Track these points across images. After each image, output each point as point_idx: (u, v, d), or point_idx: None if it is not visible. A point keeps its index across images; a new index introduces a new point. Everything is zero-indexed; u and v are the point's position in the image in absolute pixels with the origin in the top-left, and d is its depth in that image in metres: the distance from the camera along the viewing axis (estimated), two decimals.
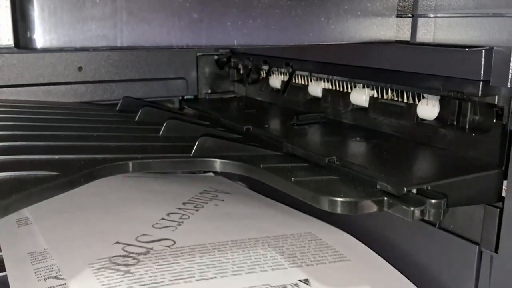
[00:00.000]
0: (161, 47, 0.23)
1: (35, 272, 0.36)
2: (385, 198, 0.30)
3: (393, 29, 0.30)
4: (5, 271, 0.36)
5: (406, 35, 0.31)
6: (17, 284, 0.34)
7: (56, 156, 0.32)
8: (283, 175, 0.34)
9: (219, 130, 0.46)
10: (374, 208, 0.30)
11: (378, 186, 0.31)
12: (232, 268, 0.37)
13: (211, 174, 0.63)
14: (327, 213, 0.30)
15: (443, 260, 0.37)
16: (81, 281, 0.34)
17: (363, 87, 0.46)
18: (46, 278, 0.35)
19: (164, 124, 0.43)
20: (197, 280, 0.35)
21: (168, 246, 0.40)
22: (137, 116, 0.48)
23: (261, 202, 0.51)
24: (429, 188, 0.31)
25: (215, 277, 0.36)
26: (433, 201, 0.29)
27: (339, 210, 0.30)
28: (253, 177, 0.36)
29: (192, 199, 0.50)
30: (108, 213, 0.46)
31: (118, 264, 0.36)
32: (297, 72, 0.54)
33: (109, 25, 0.22)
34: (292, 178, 0.33)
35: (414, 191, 0.31)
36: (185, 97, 0.64)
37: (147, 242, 0.40)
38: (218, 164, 0.37)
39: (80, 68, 0.57)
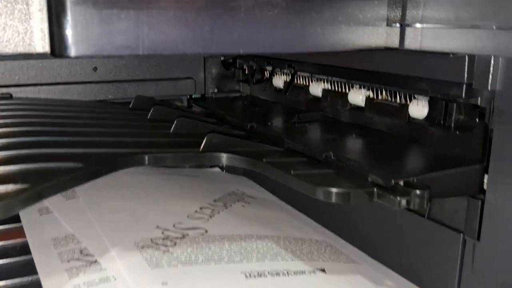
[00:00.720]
0: (177, 53, 0.27)
1: (58, 255, 0.40)
2: (375, 189, 0.33)
3: (383, 37, 0.34)
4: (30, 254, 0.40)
5: (395, 43, 0.35)
6: (42, 265, 0.38)
7: (79, 150, 0.36)
8: (283, 168, 0.37)
9: (225, 127, 0.50)
10: (365, 198, 0.33)
11: (369, 179, 0.35)
12: (257, 256, 0.41)
13: (218, 169, 0.67)
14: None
15: (430, 248, 0.40)
16: (127, 257, 0.39)
17: (360, 88, 0.49)
18: (69, 260, 0.39)
19: (175, 122, 0.47)
20: (226, 262, 0.40)
21: (201, 234, 0.45)
22: (149, 114, 0.52)
23: (283, 209, 0.55)
24: (415, 180, 0.34)
25: (241, 261, 0.40)
26: (418, 191, 0.32)
27: (333, 199, 0.33)
28: (256, 170, 0.40)
29: (221, 198, 0.55)
30: (149, 203, 0.51)
31: (159, 244, 0.41)
32: (299, 73, 0.57)
33: (132, 37, 0.25)
34: (292, 171, 0.36)
35: (402, 183, 0.34)
36: (193, 96, 0.68)
37: (183, 229, 0.45)
38: (224, 158, 0.40)
39: (95, 69, 0.61)
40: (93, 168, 0.33)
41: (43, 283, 0.36)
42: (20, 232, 0.44)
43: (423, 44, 0.34)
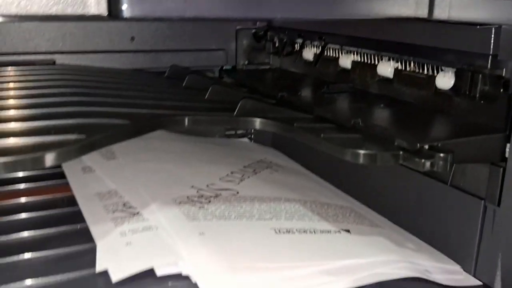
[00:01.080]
0: (219, 19, 0.29)
1: (104, 207, 0.43)
2: (401, 152, 0.35)
3: (413, 7, 0.35)
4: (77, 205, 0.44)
5: (424, 13, 0.36)
6: (90, 215, 0.42)
7: (125, 110, 0.39)
8: (313, 133, 0.40)
9: (256, 96, 0.52)
10: (391, 160, 0.35)
11: (395, 143, 0.37)
12: (285, 215, 0.44)
13: (246, 139, 0.70)
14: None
15: (451, 214, 0.42)
16: (166, 210, 0.42)
17: (389, 60, 0.51)
18: (114, 211, 0.42)
19: (210, 89, 0.49)
20: (256, 219, 0.43)
21: (233, 194, 0.48)
22: (184, 82, 0.54)
23: (309, 177, 0.57)
24: (439, 145, 0.36)
25: (271, 219, 0.43)
26: (441, 155, 0.34)
27: (361, 161, 0.35)
28: (287, 135, 0.42)
29: (251, 165, 0.58)
30: (183, 166, 0.54)
31: (194, 201, 0.45)
32: (329, 45, 0.59)
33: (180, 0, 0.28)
34: (322, 135, 0.39)
35: (426, 147, 0.36)
36: (224, 68, 0.70)
37: (215, 189, 0.48)
38: (257, 123, 0.43)
39: (132, 38, 0.63)
40: (139, 125, 0.35)
41: (92, 230, 0.39)
42: (66, 188, 0.48)
43: (452, 14, 0.35)
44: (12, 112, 0.35)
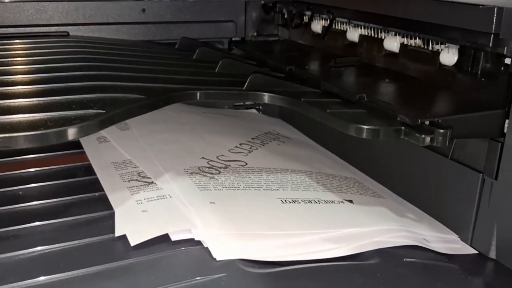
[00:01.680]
0: None
1: (119, 176, 0.45)
2: (403, 127, 0.37)
3: None
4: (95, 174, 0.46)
5: None
6: (107, 184, 0.44)
7: (141, 84, 0.40)
8: (319, 107, 0.41)
9: (265, 69, 0.53)
10: (393, 135, 0.37)
11: (398, 118, 0.38)
12: (291, 186, 0.46)
13: (254, 110, 0.71)
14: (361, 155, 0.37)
15: (451, 186, 0.44)
16: (179, 180, 0.44)
17: (395, 35, 0.52)
18: (129, 180, 0.45)
19: (220, 62, 0.50)
20: (264, 189, 0.45)
21: (242, 166, 0.50)
22: (195, 55, 0.56)
23: (315, 149, 0.59)
24: (439, 121, 0.37)
25: (277, 190, 0.45)
26: (441, 130, 0.36)
27: (364, 135, 0.37)
28: (294, 108, 0.44)
29: (259, 136, 0.60)
30: (194, 137, 0.56)
31: (205, 172, 0.47)
32: (337, 18, 0.60)
33: None
34: (327, 110, 0.40)
35: (427, 123, 0.37)
36: (233, 39, 0.71)
37: (225, 160, 0.51)
38: (266, 97, 0.44)
39: (143, 10, 0.65)
40: (154, 99, 0.37)
41: (110, 198, 0.41)
42: (83, 157, 0.50)
43: None
44: (33, 87, 0.37)
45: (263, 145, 0.57)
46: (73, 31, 0.61)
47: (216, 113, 0.67)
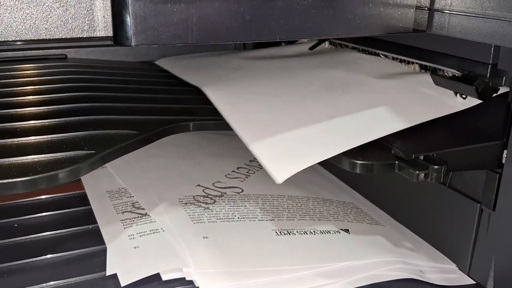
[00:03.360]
0: (221, 42, 0.30)
1: (113, 207, 0.45)
2: (397, 162, 0.37)
3: (411, 22, 0.36)
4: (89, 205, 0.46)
5: (422, 27, 0.37)
6: (100, 216, 0.44)
7: (133, 117, 0.40)
8: None
9: None
10: (387, 170, 0.37)
11: (392, 151, 0.38)
12: (287, 215, 0.46)
13: None
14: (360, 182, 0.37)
15: (449, 214, 0.43)
16: (173, 212, 0.44)
17: (392, 60, 0.51)
18: (123, 212, 0.44)
19: None
20: (259, 220, 0.45)
21: (238, 193, 0.49)
22: None
23: (314, 171, 0.59)
24: (434, 155, 0.37)
25: (273, 219, 0.45)
26: (435, 166, 0.36)
27: (358, 170, 0.37)
28: None
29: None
30: (190, 161, 0.56)
31: (200, 202, 0.47)
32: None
33: (183, 27, 0.29)
34: None
35: (422, 157, 0.37)
36: None
37: (221, 188, 0.50)
38: None
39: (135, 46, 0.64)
40: (147, 135, 0.37)
41: (103, 232, 0.41)
42: (79, 184, 0.50)
43: (450, 30, 0.36)
44: (27, 123, 0.37)
45: (261, 167, 0.57)
46: (71, 53, 0.62)
47: (215, 133, 0.66)
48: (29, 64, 0.56)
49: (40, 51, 0.60)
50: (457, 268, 0.42)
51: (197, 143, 0.62)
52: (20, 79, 0.49)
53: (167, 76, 0.58)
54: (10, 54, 0.59)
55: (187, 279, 0.36)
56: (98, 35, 0.32)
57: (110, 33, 0.31)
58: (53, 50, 0.61)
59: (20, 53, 0.59)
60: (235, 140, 0.66)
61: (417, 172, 0.35)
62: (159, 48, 0.66)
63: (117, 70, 0.57)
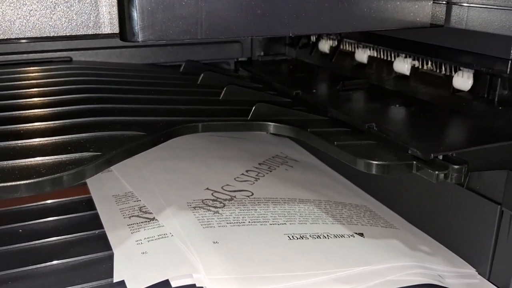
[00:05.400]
0: (232, 37, 0.29)
1: (120, 211, 0.44)
2: (414, 162, 0.35)
3: (429, 15, 0.34)
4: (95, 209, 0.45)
5: (440, 21, 0.35)
6: (107, 221, 0.43)
7: (141, 118, 0.39)
8: (327, 138, 0.39)
9: (271, 94, 0.52)
10: (404, 170, 0.35)
11: (409, 151, 0.36)
12: (299, 219, 0.45)
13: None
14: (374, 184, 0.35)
15: (468, 217, 0.42)
16: (181, 216, 0.43)
17: (406, 57, 0.50)
18: (130, 216, 0.43)
19: (224, 89, 0.49)
20: (270, 224, 0.43)
21: (247, 196, 0.48)
22: (199, 80, 0.54)
23: (325, 173, 0.58)
24: (454, 155, 0.36)
25: (284, 223, 0.43)
26: (455, 166, 0.34)
27: (374, 171, 0.35)
28: (301, 139, 0.42)
29: (266, 161, 0.58)
30: (199, 165, 0.54)
31: (209, 206, 0.45)
32: (345, 39, 0.58)
33: (192, 21, 0.28)
34: (335, 142, 0.38)
35: (440, 157, 0.35)
36: (240, 59, 0.69)
37: (230, 191, 0.49)
38: (271, 127, 0.43)
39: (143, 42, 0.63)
40: (154, 136, 0.36)
41: (109, 237, 0.40)
42: (84, 188, 0.49)
43: (468, 23, 0.34)
44: (31, 124, 0.36)
45: (270, 171, 0.55)
46: (76, 56, 0.61)
47: (222, 136, 0.65)
48: (33, 67, 0.55)
49: (45, 53, 0.59)
50: (477, 273, 0.41)
51: (205, 146, 0.60)
52: (24, 82, 0.48)
53: (174, 77, 0.57)
54: (14, 57, 0.58)
55: (197, 285, 0.35)
56: (104, 32, 0.30)
57: (116, 30, 0.30)
58: (58, 53, 0.60)
59: (24, 56, 0.58)
60: (243, 143, 0.65)
61: (437, 172, 0.34)
62: (166, 50, 0.65)
63: (123, 72, 0.56)
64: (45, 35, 0.29)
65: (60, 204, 0.47)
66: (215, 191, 0.48)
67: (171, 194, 0.47)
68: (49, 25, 0.29)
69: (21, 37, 0.29)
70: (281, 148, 0.63)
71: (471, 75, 0.43)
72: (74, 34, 0.30)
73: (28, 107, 0.41)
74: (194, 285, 0.35)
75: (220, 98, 0.49)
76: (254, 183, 0.51)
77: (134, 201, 0.46)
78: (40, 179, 0.28)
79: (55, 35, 0.30)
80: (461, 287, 0.39)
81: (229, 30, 0.29)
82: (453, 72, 0.45)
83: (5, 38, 0.29)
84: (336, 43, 0.60)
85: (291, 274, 0.36)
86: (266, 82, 0.57)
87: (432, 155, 0.35)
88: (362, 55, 0.56)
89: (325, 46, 0.63)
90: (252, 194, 0.48)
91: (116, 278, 0.35)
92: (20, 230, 0.42)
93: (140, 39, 0.27)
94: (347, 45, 0.59)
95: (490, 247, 0.40)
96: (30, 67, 0.55)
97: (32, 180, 0.28)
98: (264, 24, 0.29)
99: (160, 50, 0.64)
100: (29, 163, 0.30)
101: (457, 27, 0.35)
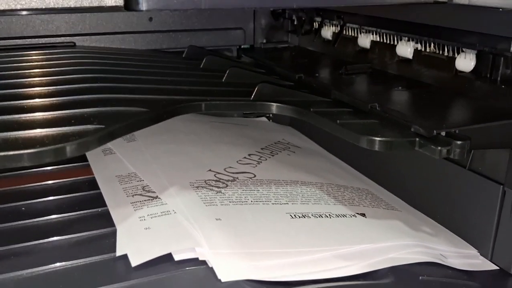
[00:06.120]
0: (235, 8, 0.29)
1: (123, 190, 0.44)
2: (417, 139, 0.35)
3: None
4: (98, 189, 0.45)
5: None
6: (110, 199, 0.43)
7: (143, 96, 0.39)
8: (329, 118, 0.39)
9: (274, 77, 0.52)
10: (407, 147, 0.35)
11: (412, 129, 0.36)
12: (301, 199, 0.45)
13: (264, 119, 0.70)
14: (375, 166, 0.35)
15: (469, 198, 0.42)
16: (184, 194, 0.43)
17: (408, 40, 0.50)
18: (133, 195, 0.43)
19: (227, 72, 0.49)
20: (272, 203, 0.43)
21: (250, 178, 0.48)
22: (202, 64, 0.54)
23: (326, 158, 0.58)
24: (457, 131, 0.36)
25: (287, 203, 0.44)
26: (458, 142, 0.34)
27: (376, 147, 0.35)
28: (303, 119, 0.42)
29: (268, 146, 0.58)
30: (201, 148, 0.54)
31: (212, 186, 0.45)
32: (348, 24, 0.58)
33: None
34: (338, 121, 0.39)
35: (443, 133, 0.35)
36: (242, 46, 0.69)
37: (233, 173, 0.49)
38: (274, 107, 0.43)
39: (150, 19, 0.64)
40: (157, 112, 0.36)
41: (112, 214, 0.40)
42: (87, 170, 0.49)
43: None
44: (34, 100, 0.36)
45: (273, 155, 0.55)
46: (80, 41, 0.61)
47: (224, 122, 0.65)
48: (37, 51, 0.55)
49: (48, 38, 0.59)
50: (479, 254, 0.41)
51: (207, 131, 0.60)
52: (27, 64, 0.48)
53: (177, 62, 0.57)
54: (18, 41, 0.58)
55: (200, 259, 0.35)
56: (108, 4, 0.30)
57: (120, 2, 0.30)
58: (61, 38, 0.60)
59: (28, 41, 0.58)
60: (245, 129, 0.65)
61: (440, 148, 0.34)
62: (169, 36, 0.65)
63: (126, 56, 0.56)
64: (50, 7, 0.29)
65: (63, 184, 0.47)
66: (218, 173, 0.48)
67: (174, 175, 0.47)
68: None
69: (25, 8, 0.29)
70: (283, 135, 0.63)
71: (474, 56, 0.42)
72: (78, 6, 0.30)
73: (31, 86, 0.41)
74: (197, 258, 0.35)
75: (223, 80, 0.49)
76: (256, 166, 0.51)
77: (137, 181, 0.46)
78: (43, 148, 0.28)
79: (59, 6, 0.30)
80: (464, 267, 0.38)
81: (233, 0, 0.29)
82: (455, 53, 0.45)
83: (9, 8, 0.29)
84: (338, 29, 0.60)
85: (294, 250, 0.36)
86: (268, 67, 0.57)
87: (435, 131, 0.35)
88: (365, 40, 0.56)
89: (327, 32, 0.63)
90: (255, 176, 0.48)
91: (119, 252, 0.35)
92: (23, 208, 0.42)
93: (144, 8, 0.27)
94: (349, 31, 0.59)
95: (492, 228, 0.40)
96: (33, 51, 0.55)
97: (35, 150, 0.28)
98: None
99: (163, 36, 0.64)
100: (32, 134, 0.30)
101: (460, 3, 0.35)
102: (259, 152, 0.55)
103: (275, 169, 0.51)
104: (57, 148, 0.29)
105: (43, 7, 0.29)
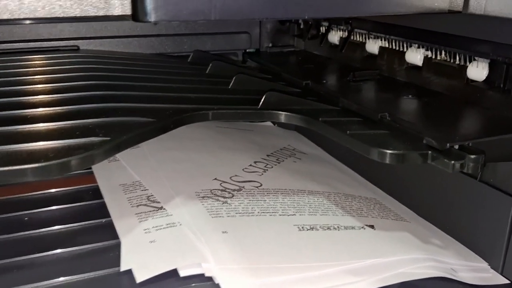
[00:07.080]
0: (246, 18, 0.28)
1: (128, 200, 0.43)
2: (429, 152, 0.34)
3: (447, 0, 0.34)
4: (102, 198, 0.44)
5: (458, 6, 0.34)
6: (114, 209, 0.42)
7: (149, 105, 0.38)
8: (339, 128, 0.39)
9: (280, 84, 0.51)
10: (419, 160, 0.34)
11: (424, 141, 0.36)
12: (309, 210, 0.44)
13: (270, 123, 0.69)
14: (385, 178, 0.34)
15: (480, 210, 0.41)
16: (190, 205, 0.42)
17: (418, 47, 0.49)
18: (138, 205, 0.42)
19: (234, 78, 0.48)
20: (280, 215, 0.42)
21: (256, 187, 0.47)
22: (208, 69, 0.54)
23: (333, 165, 0.57)
24: (470, 144, 0.35)
25: (294, 214, 0.43)
26: (472, 156, 0.33)
27: (388, 160, 0.34)
28: (312, 128, 0.41)
29: (274, 153, 0.57)
30: (207, 155, 0.54)
31: (218, 196, 0.44)
32: (356, 30, 0.57)
33: (206, 1, 0.27)
34: (348, 131, 0.38)
35: (456, 146, 0.35)
36: (248, 51, 0.69)
37: (239, 181, 0.48)
38: (282, 116, 0.42)
39: (155, 23, 0.63)
40: (164, 123, 0.35)
41: (116, 226, 0.39)
42: (91, 177, 0.48)
43: (488, 8, 0.34)
44: (37, 110, 0.36)
45: (279, 162, 0.54)
46: (83, 45, 0.60)
47: (230, 127, 0.64)
48: (40, 55, 0.55)
49: (52, 42, 0.58)
50: (489, 267, 0.40)
51: (213, 137, 0.60)
52: (30, 69, 0.48)
53: (182, 67, 0.56)
54: (21, 45, 0.57)
55: (206, 275, 0.34)
56: (115, 13, 0.30)
57: (127, 11, 0.29)
58: (65, 42, 0.59)
59: (31, 44, 0.57)
60: (250, 135, 0.65)
61: (453, 162, 0.33)
62: (173, 40, 0.64)
63: (131, 61, 0.55)
64: (55, 16, 0.29)
65: (66, 193, 0.46)
66: (224, 182, 0.47)
67: (179, 184, 0.46)
68: (59, 5, 0.28)
69: (30, 17, 0.28)
70: (288, 141, 0.63)
71: (487, 65, 0.42)
72: (84, 15, 0.29)
73: (35, 93, 0.40)
74: (203, 275, 0.34)
75: (229, 87, 0.48)
76: (262, 174, 0.50)
77: (142, 190, 0.45)
78: (48, 163, 0.28)
79: (65, 16, 0.29)
80: (474, 280, 0.38)
81: (244, 11, 0.28)
82: (467, 62, 0.44)
83: (14, 18, 0.28)
84: (346, 34, 0.59)
85: (302, 265, 0.35)
86: (275, 73, 0.57)
87: (448, 144, 0.34)
88: (373, 46, 0.55)
89: (334, 37, 0.62)
90: (261, 185, 0.48)
91: (123, 267, 0.35)
92: (26, 218, 0.42)
93: (152, 19, 0.26)
94: (357, 36, 0.58)
95: (504, 241, 0.39)
96: (36, 55, 0.54)
97: (39, 164, 0.27)
98: (280, 5, 0.28)
99: (168, 40, 0.63)
100: (36, 147, 0.29)
101: (475, 13, 0.34)
102: (264, 159, 0.55)
103: (281, 178, 0.50)
104: (62, 162, 0.28)
105: (49, 16, 0.29)
